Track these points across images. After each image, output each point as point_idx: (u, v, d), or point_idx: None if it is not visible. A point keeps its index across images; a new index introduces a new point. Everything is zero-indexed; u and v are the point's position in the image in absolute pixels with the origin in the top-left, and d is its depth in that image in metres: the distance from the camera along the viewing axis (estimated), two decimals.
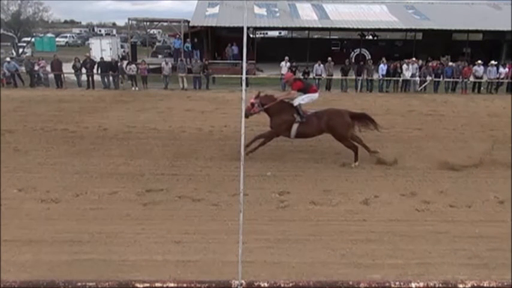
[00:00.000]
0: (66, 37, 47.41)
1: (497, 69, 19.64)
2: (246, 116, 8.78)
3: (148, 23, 30.01)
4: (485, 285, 2.08)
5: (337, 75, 19.68)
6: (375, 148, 9.01)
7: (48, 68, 19.85)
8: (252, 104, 8.66)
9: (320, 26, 26.12)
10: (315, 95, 8.91)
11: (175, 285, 2.06)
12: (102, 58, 20.88)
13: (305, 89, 8.83)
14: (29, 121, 12.26)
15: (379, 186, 7.61)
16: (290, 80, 9.20)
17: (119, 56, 27.09)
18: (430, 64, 20.16)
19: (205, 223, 6.10)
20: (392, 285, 2.08)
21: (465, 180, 7.94)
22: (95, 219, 6.21)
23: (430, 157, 9.03)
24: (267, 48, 28.00)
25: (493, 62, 19.97)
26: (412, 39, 29.41)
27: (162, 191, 7.28)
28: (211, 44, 26.92)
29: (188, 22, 25.56)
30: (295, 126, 8.61)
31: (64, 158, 8.98)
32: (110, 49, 28.31)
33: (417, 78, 19.57)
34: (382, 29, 27.40)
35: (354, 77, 19.75)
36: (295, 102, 8.71)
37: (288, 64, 19.54)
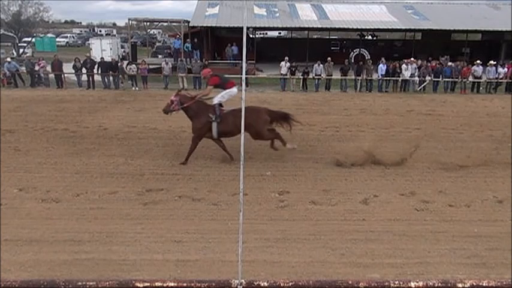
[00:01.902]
0: (66, 37, 47.37)
1: (496, 69, 19.66)
2: (166, 113, 8.85)
3: (148, 23, 29.96)
4: (484, 284, 2.08)
5: (336, 75, 19.69)
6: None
7: (49, 68, 19.86)
8: (172, 102, 8.68)
9: (319, 26, 26.13)
10: (233, 90, 8.85)
11: (176, 284, 2.07)
12: (102, 58, 20.89)
13: (222, 85, 8.83)
14: (30, 121, 12.28)
15: (378, 185, 7.63)
16: (207, 75, 9.24)
17: (119, 56, 27.10)
18: (429, 64, 20.18)
19: (205, 222, 6.12)
20: (392, 285, 2.08)
21: (464, 179, 7.96)
22: (95, 218, 6.23)
23: (429, 157, 9.05)
24: (267, 49, 28.02)
25: (492, 62, 19.98)
26: (412, 39, 29.44)
27: (162, 191, 7.30)
28: (211, 44, 26.93)
29: (188, 22, 25.56)
30: (214, 126, 8.57)
31: (64, 158, 9.00)
32: (110, 49, 28.30)
33: (416, 78, 19.59)
34: (381, 29, 27.42)
35: (353, 77, 19.77)
36: (215, 101, 8.67)
37: (288, 64, 19.54)
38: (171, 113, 8.79)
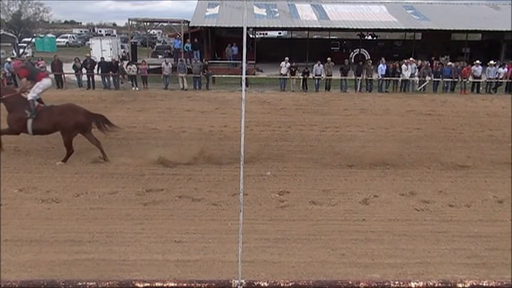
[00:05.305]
0: (66, 37, 47.30)
1: (496, 69, 19.66)
2: None
3: (148, 24, 29.95)
4: (484, 284, 2.08)
5: (336, 75, 19.69)
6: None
7: (49, 68, 19.85)
8: None
9: (320, 26, 26.12)
10: (46, 82, 8.78)
11: (176, 284, 2.07)
12: (102, 58, 20.88)
13: (32, 76, 8.74)
14: None
15: (378, 185, 7.63)
16: (17, 68, 9.23)
17: (119, 56, 27.07)
18: (429, 64, 20.19)
19: (205, 223, 6.12)
20: (392, 285, 2.08)
21: (464, 179, 7.97)
22: (95, 219, 6.23)
23: (429, 157, 9.05)
24: (267, 49, 28.01)
25: (491, 62, 19.98)
26: (412, 40, 29.43)
27: (162, 191, 7.30)
28: (211, 44, 26.92)
29: (188, 22, 25.56)
30: (29, 123, 8.51)
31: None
32: (110, 49, 28.27)
33: (416, 79, 19.59)
34: (381, 29, 27.41)
35: (353, 77, 19.75)
36: (29, 97, 8.58)
37: (288, 64, 19.54)
38: None
